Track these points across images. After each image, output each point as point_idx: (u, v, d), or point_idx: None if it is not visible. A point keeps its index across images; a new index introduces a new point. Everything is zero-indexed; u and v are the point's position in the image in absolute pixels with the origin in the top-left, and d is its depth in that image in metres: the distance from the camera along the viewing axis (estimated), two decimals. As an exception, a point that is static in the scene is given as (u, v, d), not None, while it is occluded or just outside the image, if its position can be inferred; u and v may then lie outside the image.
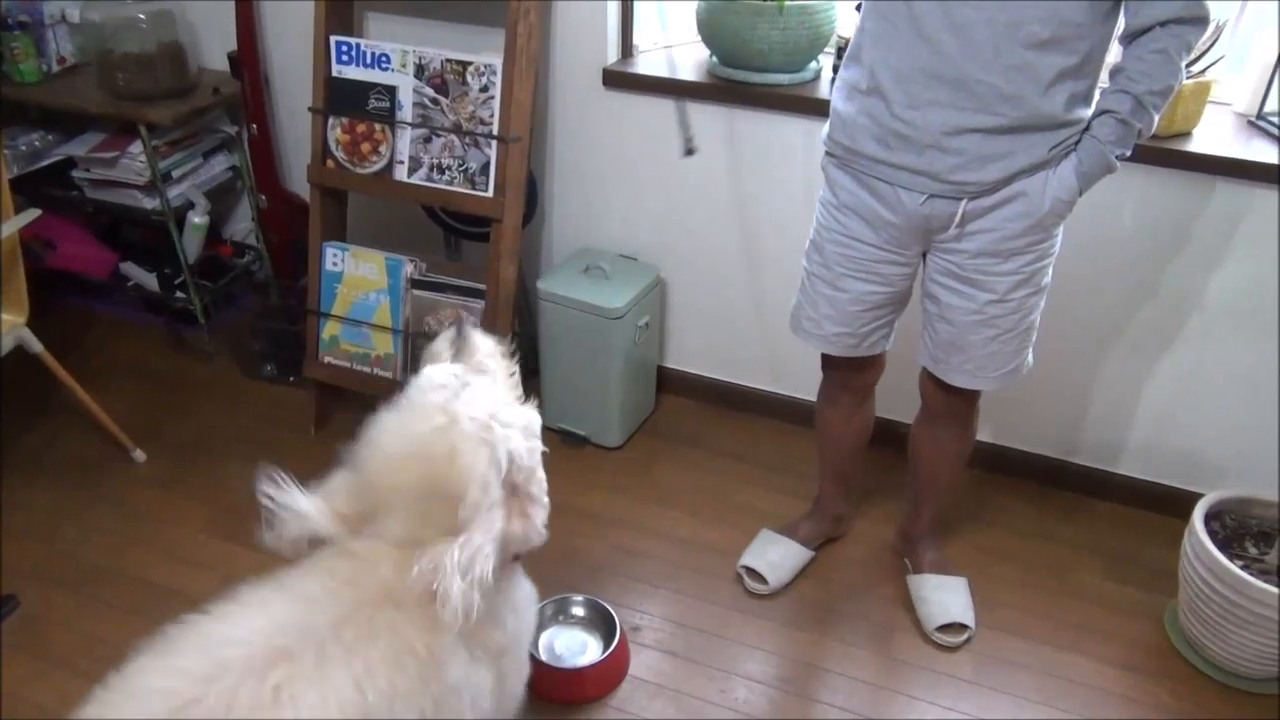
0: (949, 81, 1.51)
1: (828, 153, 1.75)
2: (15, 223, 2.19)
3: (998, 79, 1.49)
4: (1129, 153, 1.57)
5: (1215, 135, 2.03)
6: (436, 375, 1.29)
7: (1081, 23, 1.45)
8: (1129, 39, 1.51)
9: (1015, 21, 1.44)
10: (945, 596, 2.09)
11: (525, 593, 1.44)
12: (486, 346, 1.44)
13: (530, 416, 1.34)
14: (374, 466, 1.26)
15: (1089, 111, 1.57)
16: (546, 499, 1.34)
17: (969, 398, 1.89)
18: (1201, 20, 1.46)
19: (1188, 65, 1.96)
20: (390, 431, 1.25)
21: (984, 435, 2.43)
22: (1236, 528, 2.02)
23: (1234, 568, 1.85)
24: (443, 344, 1.44)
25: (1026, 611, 2.14)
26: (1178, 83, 1.51)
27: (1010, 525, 2.38)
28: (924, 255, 1.76)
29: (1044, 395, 2.37)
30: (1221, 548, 1.90)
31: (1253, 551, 1.96)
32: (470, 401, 1.24)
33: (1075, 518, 2.42)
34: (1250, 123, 2.08)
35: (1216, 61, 1.99)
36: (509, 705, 1.42)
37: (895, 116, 1.58)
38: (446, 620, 1.14)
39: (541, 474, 1.34)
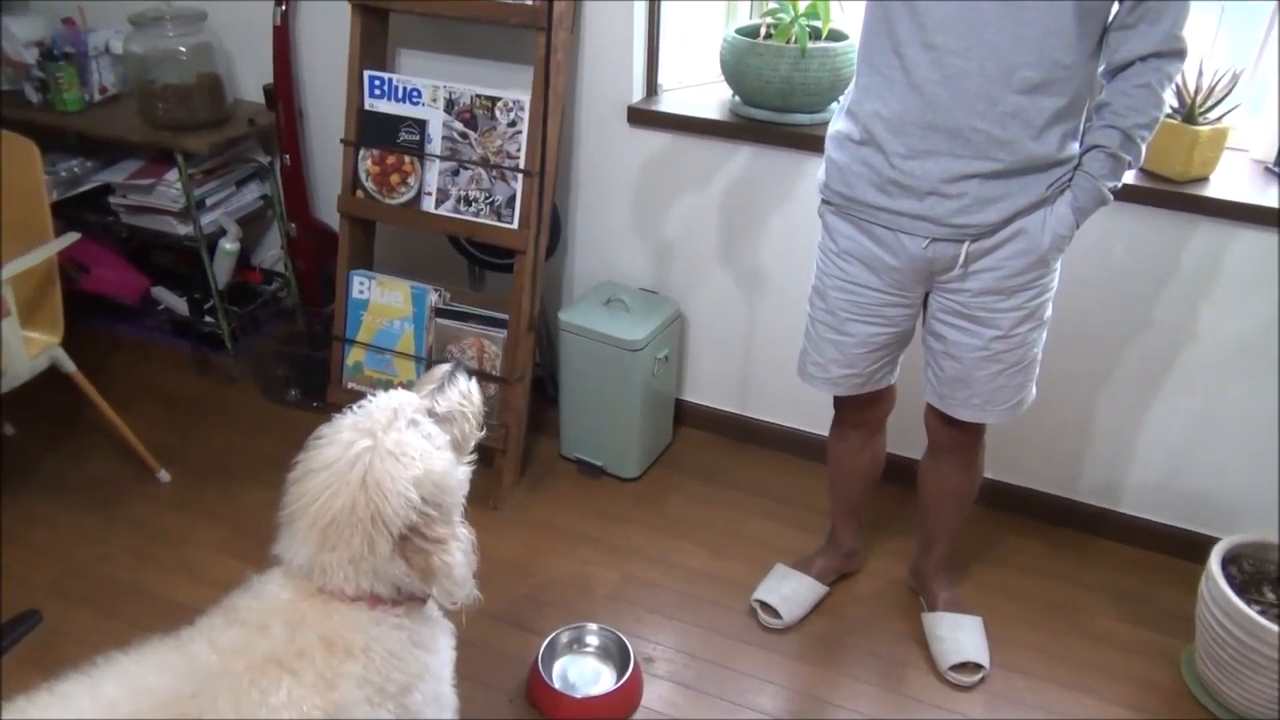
0: (944, 131, 1.54)
1: (824, 200, 1.78)
2: (55, 245, 2.25)
3: (992, 126, 1.52)
4: (1120, 184, 1.60)
5: (1232, 181, 2.05)
6: (390, 401, 1.30)
7: (1071, 63, 1.48)
8: (1111, 74, 1.54)
9: (1007, 69, 1.48)
10: (960, 635, 2.08)
11: (437, 629, 1.41)
12: (467, 397, 1.43)
13: (460, 473, 1.34)
14: (301, 480, 1.28)
15: (1078, 146, 1.60)
16: (458, 557, 1.31)
17: (975, 432, 1.91)
18: (1180, 54, 1.50)
19: (1205, 111, 1.99)
20: (324, 438, 1.28)
21: (993, 473, 2.43)
22: (1254, 572, 2.01)
23: (1251, 612, 1.84)
24: (438, 372, 1.44)
25: (1038, 651, 2.13)
26: (1162, 114, 1.55)
27: (1020, 564, 2.38)
28: (926, 295, 1.78)
29: (1053, 433, 2.38)
30: (1239, 592, 1.89)
31: (1270, 596, 1.95)
32: (408, 437, 1.26)
33: (1086, 557, 2.41)
34: (1268, 169, 2.10)
35: (1234, 108, 2.01)
36: None
37: (893, 167, 1.61)
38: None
39: (457, 526, 1.34)
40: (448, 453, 1.32)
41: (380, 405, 1.29)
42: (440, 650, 1.41)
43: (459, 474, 1.33)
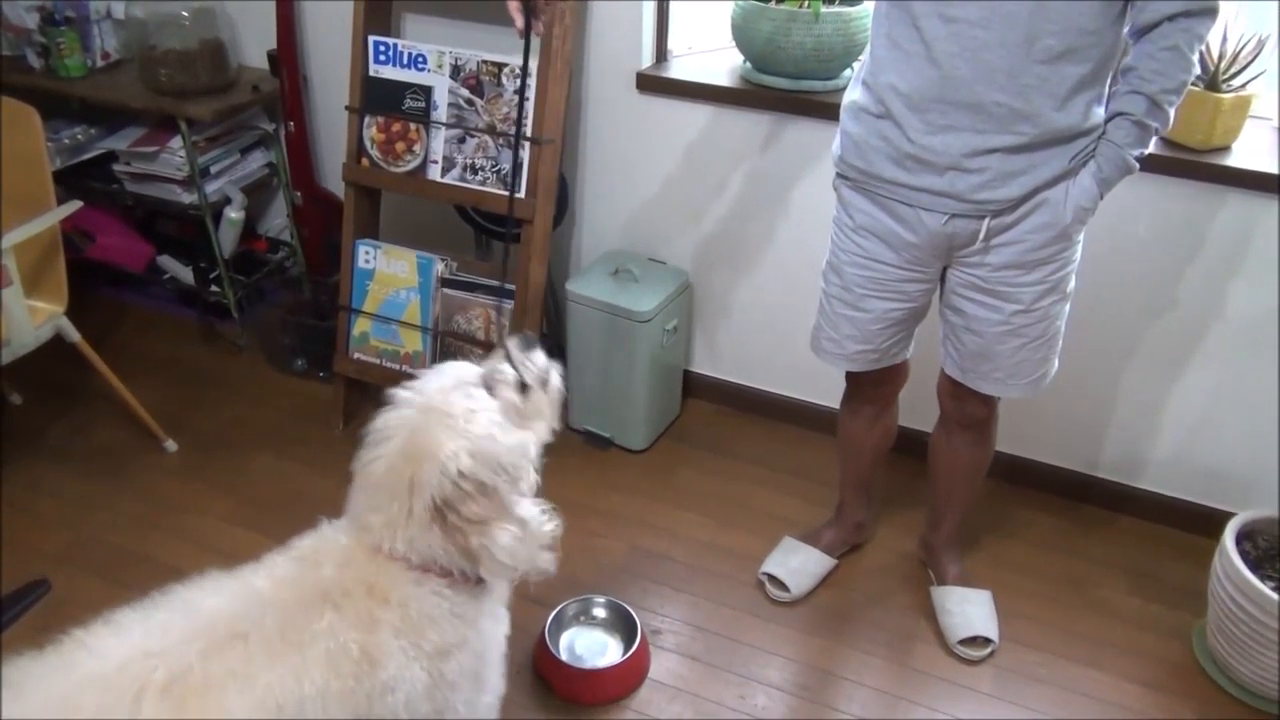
0: (964, 106, 1.50)
1: (839, 174, 1.74)
2: (57, 214, 2.23)
3: (1013, 99, 1.48)
4: (1147, 151, 1.55)
5: (1255, 150, 2.01)
6: (446, 370, 1.33)
7: (1095, 30, 1.44)
8: (1138, 35, 1.48)
9: (1029, 38, 1.43)
10: (969, 609, 2.07)
11: (484, 609, 1.40)
12: (542, 369, 1.41)
13: (513, 441, 1.31)
14: (372, 444, 1.31)
15: (1104, 112, 1.55)
16: (507, 527, 1.29)
17: (988, 404, 1.88)
18: (1210, 12, 1.43)
19: (1228, 79, 1.95)
20: (389, 410, 1.30)
21: (1005, 447, 2.41)
22: (1269, 548, 1.99)
23: (1265, 589, 1.82)
24: (510, 345, 1.40)
25: (1048, 625, 2.12)
26: (1191, 78, 1.49)
27: (1032, 538, 2.36)
28: (944, 269, 1.75)
29: (1066, 407, 2.35)
30: (1253, 568, 1.87)
31: (1284, 572, 1.93)
32: (454, 402, 1.27)
33: (1098, 532, 2.39)
34: (1291, 138, 2.06)
35: (1258, 76, 1.96)
36: (464, 713, 1.40)
37: (912, 142, 1.57)
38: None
39: (516, 504, 1.31)
40: (503, 428, 1.29)
41: (439, 372, 1.33)
42: (484, 631, 1.40)
43: (511, 442, 1.29)
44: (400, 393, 1.31)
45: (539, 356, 1.42)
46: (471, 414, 1.27)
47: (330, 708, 1.19)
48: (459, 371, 1.33)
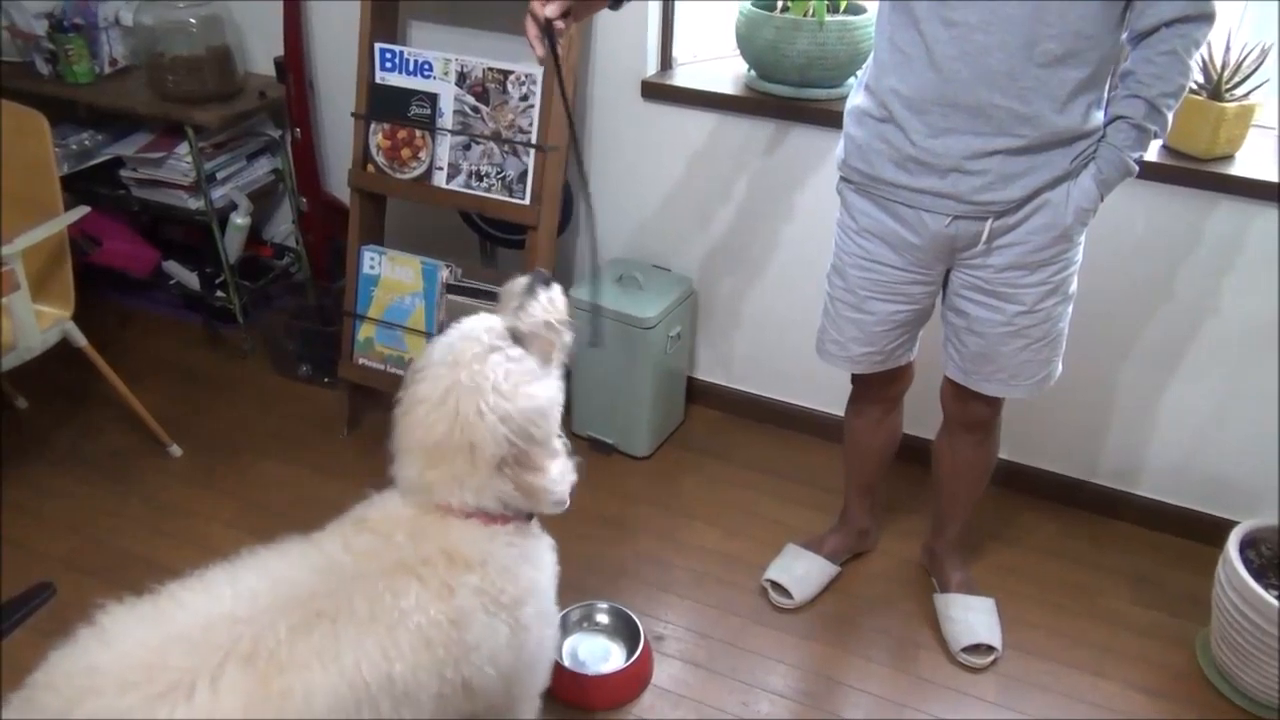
0: (965, 109, 1.52)
1: (843, 178, 1.75)
2: (65, 219, 2.24)
3: (1014, 101, 1.49)
4: (1146, 154, 1.56)
5: (1258, 159, 2.01)
6: (473, 330, 1.33)
7: (1094, 34, 1.45)
8: (1136, 40, 1.50)
9: (1029, 42, 1.44)
10: (972, 617, 2.07)
11: (542, 545, 1.47)
12: (557, 307, 1.42)
13: (550, 392, 1.36)
14: (405, 415, 1.32)
15: (1104, 116, 1.56)
16: (555, 464, 1.36)
17: (992, 407, 1.89)
18: (1207, 17, 1.45)
19: (1232, 88, 1.95)
20: (419, 373, 1.32)
21: (1006, 454, 2.40)
22: (1272, 557, 1.99)
23: (1269, 597, 1.82)
24: (518, 287, 1.42)
25: (1051, 633, 2.12)
26: (1189, 81, 1.50)
27: (1034, 545, 2.36)
28: (946, 271, 1.75)
29: (1069, 414, 2.36)
30: (1256, 577, 1.87)
31: (1288, 581, 1.93)
32: (492, 365, 1.29)
33: (1101, 539, 2.39)
34: (1294, 147, 2.06)
35: (1261, 85, 1.97)
36: (537, 656, 1.46)
37: (914, 145, 1.58)
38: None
39: (554, 443, 1.38)
40: (534, 381, 1.33)
41: (465, 334, 1.32)
42: (546, 567, 1.46)
43: (548, 394, 1.34)
44: (427, 357, 1.32)
45: (555, 294, 1.43)
46: (507, 370, 1.30)
47: (420, 678, 1.22)
48: (487, 324, 1.34)
